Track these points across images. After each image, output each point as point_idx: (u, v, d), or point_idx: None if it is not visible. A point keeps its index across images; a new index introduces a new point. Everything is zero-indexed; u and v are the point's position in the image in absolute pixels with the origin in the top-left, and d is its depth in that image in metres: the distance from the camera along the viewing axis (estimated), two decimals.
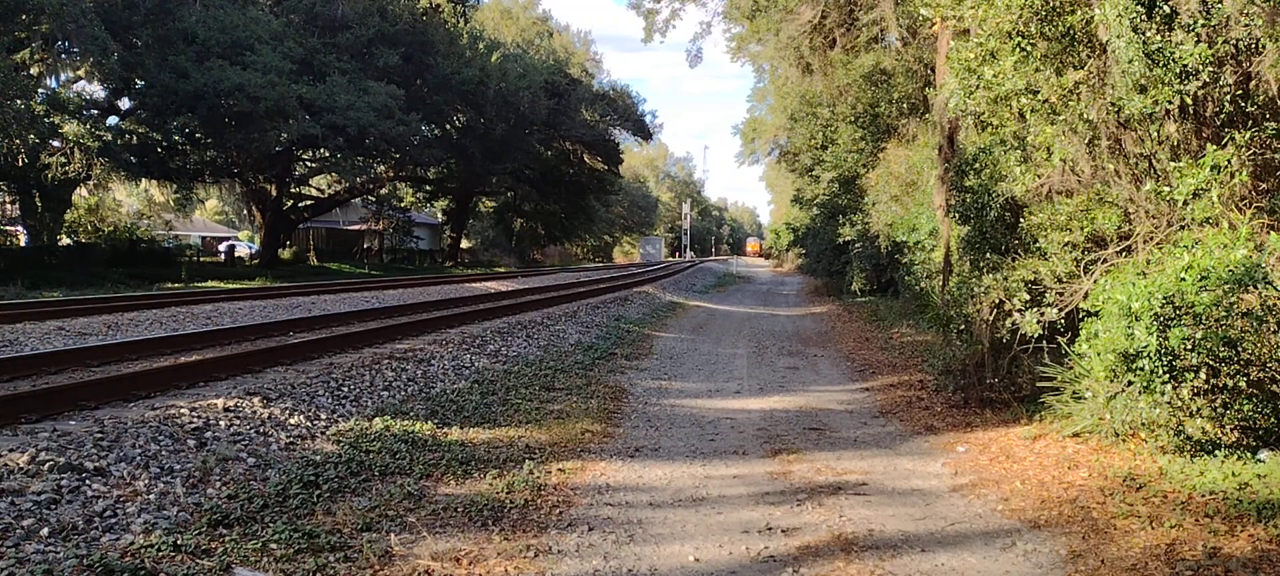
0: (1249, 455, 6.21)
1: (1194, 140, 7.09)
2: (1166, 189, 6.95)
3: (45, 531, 4.61)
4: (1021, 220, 8.99)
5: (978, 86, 7.85)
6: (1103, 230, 8.09)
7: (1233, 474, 5.87)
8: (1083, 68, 7.46)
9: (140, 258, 31.45)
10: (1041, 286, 8.29)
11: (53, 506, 4.92)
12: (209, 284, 26.57)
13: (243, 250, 47.07)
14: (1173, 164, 6.93)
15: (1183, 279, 6.14)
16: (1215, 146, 6.56)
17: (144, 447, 6.02)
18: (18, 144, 22.35)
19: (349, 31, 33.30)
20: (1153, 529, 5.28)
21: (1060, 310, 8.02)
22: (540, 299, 20.29)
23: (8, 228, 30.24)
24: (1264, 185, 6.98)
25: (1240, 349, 6.06)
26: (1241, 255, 6.09)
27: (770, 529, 5.60)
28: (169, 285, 25.49)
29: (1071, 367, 7.49)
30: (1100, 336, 6.56)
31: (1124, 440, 6.90)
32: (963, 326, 9.57)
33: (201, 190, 39.47)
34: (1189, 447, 6.41)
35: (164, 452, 6.03)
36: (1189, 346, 5.98)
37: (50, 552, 4.38)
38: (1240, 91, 6.81)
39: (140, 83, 28.45)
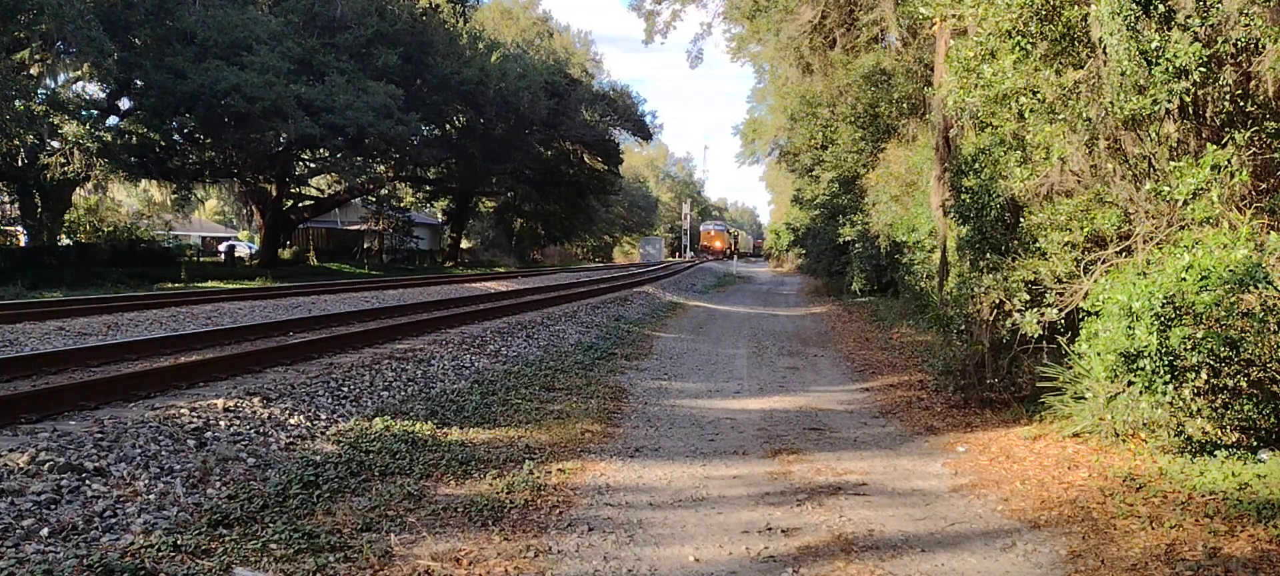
0: (1249, 455, 6.21)
1: (1193, 140, 7.09)
2: (1166, 189, 6.94)
3: (45, 531, 4.61)
4: (1021, 220, 8.98)
5: (977, 85, 7.84)
6: (1103, 230, 8.09)
7: (1233, 474, 5.87)
8: (1082, 67, 7.46)
9: (140, 258, 31.43)
10: (1041, 286, 8.29)
11: (52, 506, 4.93)
12: (209, 284, 26.55)
13: (243, 250, 47.02)
14: (1172, 164, 6.93)
15: (1183, 279, 6.14)
16: (1215, 146, 6.56)
17: (144, 447, 6.02)
18: (17, 144, 22.34)
19: (348, 31, 33.27)
20: (1153, 529, 5.28)
21: (1060, 310, 8.01)
22: (540, 299, 20.29)
23: (8, 228, 30.23)
24: (1264, 185, 6.99)
25: (1241, 349, 6.06)
26: (1242, 255, 6.09)
27: (770, 529, 5.60)
28: (169, 285, 25.47)
29: (1071, 368, 7.49)
30: (1100, 336, 6.56)
31: (1124, 440, 6.90)
32: (963, 326, 9.56)
33: (201, 190, 39.40)
34: (1189, 448, 6.41)
35: (164, 452, 6.03)
36: (1190, 347, 5.98)
37: (50, 552, 4.39)
38: (1240, 91, 6.81)
39: (139, 83, 28.45)
